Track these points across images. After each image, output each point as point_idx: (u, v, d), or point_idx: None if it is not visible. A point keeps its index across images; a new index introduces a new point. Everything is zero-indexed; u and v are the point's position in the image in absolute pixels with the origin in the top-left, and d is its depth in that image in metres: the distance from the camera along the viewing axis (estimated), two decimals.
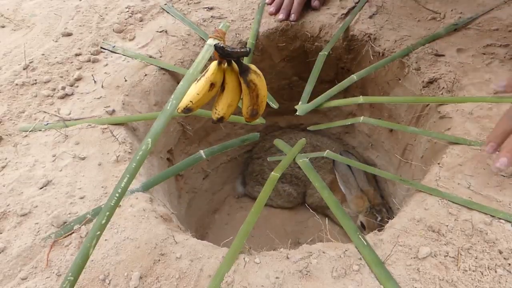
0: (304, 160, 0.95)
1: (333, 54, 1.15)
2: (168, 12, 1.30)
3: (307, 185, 1.43)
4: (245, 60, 1.05)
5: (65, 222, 0.74)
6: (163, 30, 1.22)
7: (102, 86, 1.04)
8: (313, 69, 1.10)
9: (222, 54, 0.65)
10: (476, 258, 0.64)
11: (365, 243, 0.68)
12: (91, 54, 1.14)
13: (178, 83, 0.61)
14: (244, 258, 0.68)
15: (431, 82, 1.03)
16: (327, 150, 0.98)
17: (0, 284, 0.66)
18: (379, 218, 1.20)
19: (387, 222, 0.75)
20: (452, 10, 1.19)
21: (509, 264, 0.63)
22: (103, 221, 0.56)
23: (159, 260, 0.68)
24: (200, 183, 1.44)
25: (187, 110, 0.70)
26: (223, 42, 0.65)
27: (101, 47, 1.17)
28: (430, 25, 1.17)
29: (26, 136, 0.93)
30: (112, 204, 0.57)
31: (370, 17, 1.24)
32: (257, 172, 1.48)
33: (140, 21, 1.28)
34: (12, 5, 1.35)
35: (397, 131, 1.25)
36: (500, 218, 0.69)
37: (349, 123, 1.00)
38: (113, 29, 1.23)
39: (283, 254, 0.69)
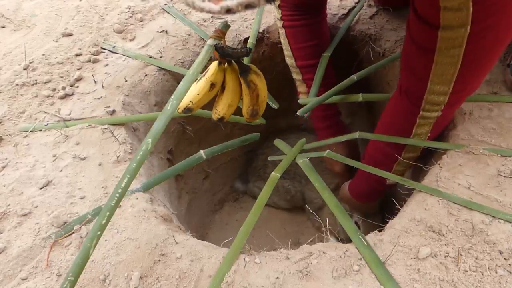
0: (304, 160, 0.95)
1: (333, 55, 1.14)
2: (168, 12, 1.30)
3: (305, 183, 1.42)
4: (245, 60, 1.05)
5: (65, 222, 0.74)
6: (163, 30, 1.22)
7: (103, 86, 1.04)
8: (317, 70, 1.09)
9: (223, 54, 0.65)
10: (476, 259, 0.64)
11: (366, 244, 0.68)
12: (92, 54, 1.14)
13: (178, 83, 0.61)
14: (244, 258, 0.68)
15: None
16: (328, 150, 0.97)
17: (0, 284, 0.66)
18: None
19: (383, 225, 0.75)
20: None
21: (510, 265, 0.63)
22: (104, 221, 0.56)
23: (159, 260, 0.68)
24: (200, 183, 1.44)
25: (187, 110, 0.70)
26: (223, 43, 0.65)
27: (102, 47, 1.17)
28: None
29: (26, 136, 0.93)
30: (113, 204, 0.57)
31: (371, 17, 1.24)
32: (260, 167, 1.50)
33: (141, 21, 1.28)
34: (13, 5, 1.35)
35: None
36: (500, 219, 0.68)
37: (346, 139, 0.99)
38: (113, 29, 1.23)
39: (283, 254, 0.69)
